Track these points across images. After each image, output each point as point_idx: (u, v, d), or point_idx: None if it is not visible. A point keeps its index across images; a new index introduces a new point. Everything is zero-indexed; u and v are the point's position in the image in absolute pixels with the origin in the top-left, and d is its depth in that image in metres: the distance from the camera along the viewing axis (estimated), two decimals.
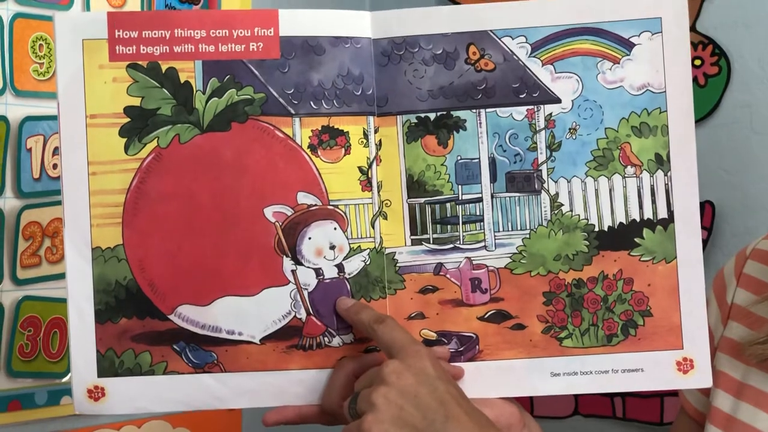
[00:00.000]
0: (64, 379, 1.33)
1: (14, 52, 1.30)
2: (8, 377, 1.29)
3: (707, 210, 1.49)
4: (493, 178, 1.02)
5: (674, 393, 1.35)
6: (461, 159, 1.02)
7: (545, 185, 1.02)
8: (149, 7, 1.43)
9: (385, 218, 1.02)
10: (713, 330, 1.15)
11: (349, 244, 1.02)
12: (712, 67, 1.49)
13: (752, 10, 1.47)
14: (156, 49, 1.00)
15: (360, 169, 1.01)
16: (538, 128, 1.02)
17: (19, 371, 1.30)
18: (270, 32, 1.00)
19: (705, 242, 1.50)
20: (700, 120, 1.50)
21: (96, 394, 1.02)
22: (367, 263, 1.02)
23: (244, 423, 1.52)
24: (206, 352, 1.02)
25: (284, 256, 1.01)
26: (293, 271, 1.01)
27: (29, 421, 1.32)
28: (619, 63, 1.01)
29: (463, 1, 1.76)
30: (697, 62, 1.50)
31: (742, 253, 1.16)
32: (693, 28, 1.50)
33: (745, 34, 1.47)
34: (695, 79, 1.50)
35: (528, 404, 1.65)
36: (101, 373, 1.02)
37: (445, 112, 1.02)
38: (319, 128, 1.01)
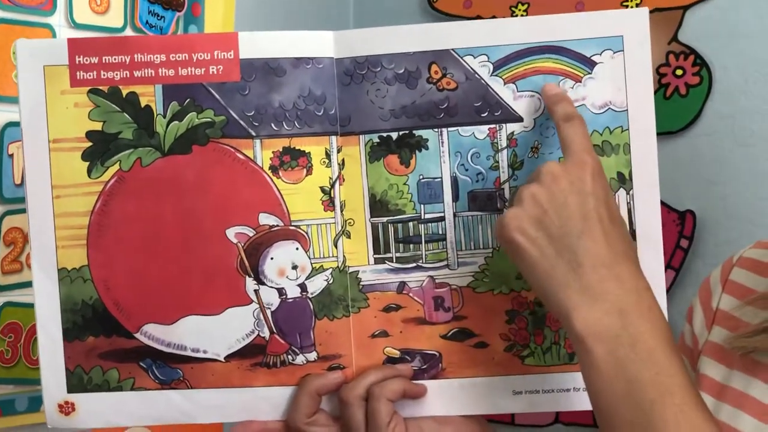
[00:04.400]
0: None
1: None
2: None
3: (688, 219, 1.48)
4: (456, 197, 1.03)
5: None
6: (423, 178, 1.02)
7: (507, 204, 1.02)
8: (132, 12, 1.43)
9: (349, 237, 1.03)
10: (698, 336, 1.15)
11: (312, 263, 1.03)
12: (693, 77, 1.48)
13: (734, 21, 1.45)
14: (116, 74, 1.01)
15: (322, 189, 1.02)
16: (500, 147, 1.02)
17: None
18: (230, 55, 1.01)
19: (686, 251, 1.49)
20: (681, 130, 1.49)
21: (66, 408, 1.05)
22: (330, 282, 1.03)
23: (225, 426, 1.54)
24: (172, 369, 1.04)
25: (247, 276, 1.02)
26: (256, 291, 1.02)
27: (9, 428, 1.33)
28: (581, 81, 1.01)
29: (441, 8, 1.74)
30: (679, 72, 1.49)
31: (729, 261, 1.16)
32: (675, 38, 1.49)
33: (727, 44, 1.46)
34: (677, 89, 1.49)
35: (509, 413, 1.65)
36: (71, 389, 1.04)
37: (407, 132, 1.02)
38: (281, 149, 1.02)
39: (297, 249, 1.02)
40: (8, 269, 1.31)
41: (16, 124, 1.30)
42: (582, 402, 1.02)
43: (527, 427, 1.67)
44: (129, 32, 1.43)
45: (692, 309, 1.18)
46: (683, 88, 1.49)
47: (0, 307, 1.31)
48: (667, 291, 1.03)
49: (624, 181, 1.01)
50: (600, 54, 1.01)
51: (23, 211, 1.30)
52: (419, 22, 1.09)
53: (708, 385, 1.09)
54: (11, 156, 1.31)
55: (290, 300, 1.03)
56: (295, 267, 1.02)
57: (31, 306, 1.05)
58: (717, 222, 1.47)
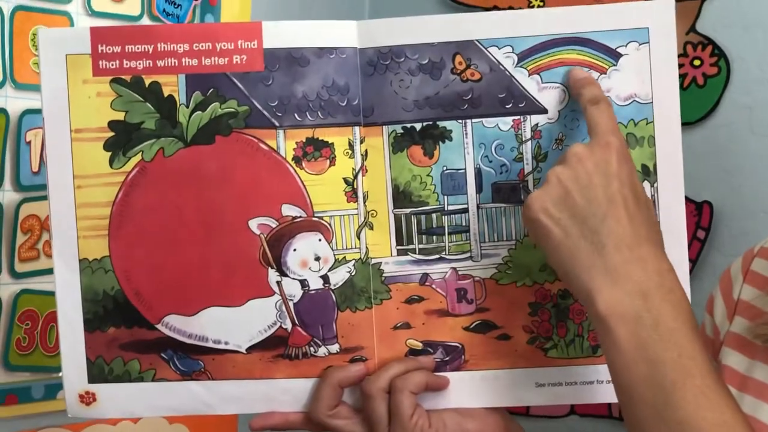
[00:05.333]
0: (61, 374, 1.34)
1: (14, 45, 1.30)
2: (5, 371, 1.30)
3: (705, 210, 1.48)
4: (479, 189, 1.02)
5: None
6: (447, 169, 1.02)
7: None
8: (149, 0, 1.42)
9: (371, 228, 1.02)
10: (719, 326, 1.15)
11: (335, 255, 1.02)
12: (711, 68, 1.48)
13: (752, 12, 1.45)
14: (139, 64, 1.00)
15: (345, 180, 1.02)
16: (524, 139, 1.01)
17: (16, 365, 1.31)
18: (253, 44, 1.00)
19: (703, 243, 1.49)
20: (699, 120, 1.49)
21: (87, 399, 1.04)
22: (353, 274, 1.02)
23: (240, 419, 1.54)
24: (193, 360, 1.03)
25: (269, 268, 1.02)
26: (278, 283, 1.02)
27: (26, 415, 1.33)
28: (605, 73, 1.00)
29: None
30: (697, 62, 1.48)
31: (750, 252, 1.16)
32: (693, 29, 1.49)
33: (745, 35, 1.46)
34: (694, 80, 1.49)
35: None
36: (92, 380, 1.04)
37: (431, 123, 1.01)
38: (304, 140, 1.01)
39: (320, 240, 1.02)
40: (25, 257, 1.31)
41: (34, 111, 1.30)
42: (605, 395, 1.02)
43: (542, 418, 1.67)
44: (146, 20, 1.43)
45: (712, 300, 1.18)
46: (701, 78, 1.48)
47: (17, 295, 1.31)
48: None
49: (648, 173, 1.00)
50: (625, 46, 1.00)
51: (41, 198, 1.31)
52: (435, 13, 1.08)
53: (730, 376, 1.09)
54: (29, 143, 1.31)
55: (313, 292, 1.02)
56: (317, 258, 1.02)
57: (48, 294, 1.05)
58: (734, 213, 1.47)
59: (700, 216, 1.48)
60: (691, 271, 1.47)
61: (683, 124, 1.46)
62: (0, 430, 1.32)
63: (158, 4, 1.44)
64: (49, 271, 1.04)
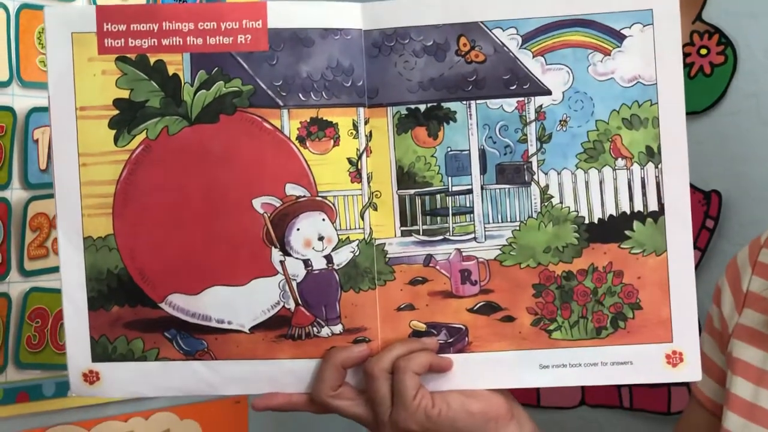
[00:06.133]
0: None
1: (20, 43, 1.31)
2: (17, 369, 1.31)
3: (714, 200, 1.48)
4: (483, 170, 1.02)
5: (682, 383, 1.34)
6: (451, 151, 1.02)
7: (535, 177, 1.02)
8: None
9: (375, 209, 1.02)
10: (727, 318, 1.14)
11: (338, 235, 1.02)
12: (718, 57, 1.47)
13: (759, 0, 1.45)
14: (144, 42, 1.01)
15: (349, 160, 1.02)
16: (528, 120, 1.01)
17: (27, 363, 1.32)
18: (258, 24, 1.00)
19: (711, 232, 1.48)
20: (706, 109, 1.49)
21: (91, 378, 1.05)
22: (356, 254, 1.02)
23: (250, 413, 1.53)
24: (197, 339, 1.03)
25: (273, 247, 1.02)
26: (282, 262, 1.02)
27: (37, 412, 1.33)
28: (610, 55, 1.00)
29: None
30: (703, 51, 1.48)
31: (756, 242, 1.16)
32: (699, 17, 1.49)
33: (752, 23, 1.45)
34: (701, 68, 1.49)
35: (534, 394, 1.64)
36: (95, 358, 1.04)
37: (435, 104, 1.02)
38: (308, 120, 1.01)
39: (323, 220, 1.02)
40: (34, 254, 1.32)
41: (41, 109, 1.31)
42: (609, 377, 1.02)
43: (553, 408, 1.67)
44: None
45: (719, 291, 1.17)
46: (708, 67, 1.48)
47: (27, 293, 1.31)
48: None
49: (653, 154, 1.00)
50: (629, 27, 1.00)
51: (49, 196, 1.31)
52: None
53: (744, 370, 1.08)
54: (36, 141, 1.31)
55: (316, 271, 1.02)
56: (321, 238, 1.02)
57: (57, 291, 1.04)
58: (742, 202, 1.47)
59: (709, 205, 1.47)
60: (700, 260, 1.48)
61: (690, 113, 1.47)
62: (12, 428, 1.32)
63: None
64: (58, 269, 1.04)
